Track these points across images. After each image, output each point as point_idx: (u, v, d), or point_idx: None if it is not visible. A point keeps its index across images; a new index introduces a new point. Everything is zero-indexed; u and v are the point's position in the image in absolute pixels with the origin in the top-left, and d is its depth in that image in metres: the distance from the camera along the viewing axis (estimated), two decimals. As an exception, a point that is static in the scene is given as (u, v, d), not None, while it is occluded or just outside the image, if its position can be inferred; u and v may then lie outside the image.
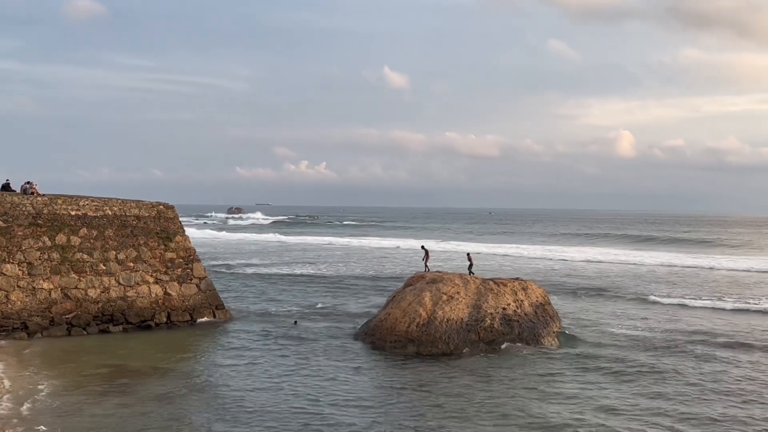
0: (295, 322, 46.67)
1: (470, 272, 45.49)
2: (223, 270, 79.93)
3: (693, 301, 57.67)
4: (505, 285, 42.17)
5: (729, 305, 55.04)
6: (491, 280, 42.95)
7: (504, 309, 40.33)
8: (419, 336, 38.58)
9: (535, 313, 41.35)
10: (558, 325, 42.01)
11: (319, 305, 54.91)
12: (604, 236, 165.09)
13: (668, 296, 60.35)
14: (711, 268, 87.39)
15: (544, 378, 33.02)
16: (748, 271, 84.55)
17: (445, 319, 39.07)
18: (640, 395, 30.17)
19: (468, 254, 49.44)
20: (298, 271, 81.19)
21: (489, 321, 39.41)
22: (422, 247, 48.90)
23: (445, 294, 40.25)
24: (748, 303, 56.49)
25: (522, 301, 41.44)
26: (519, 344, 38.70)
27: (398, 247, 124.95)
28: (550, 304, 43.31)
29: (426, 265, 47.02)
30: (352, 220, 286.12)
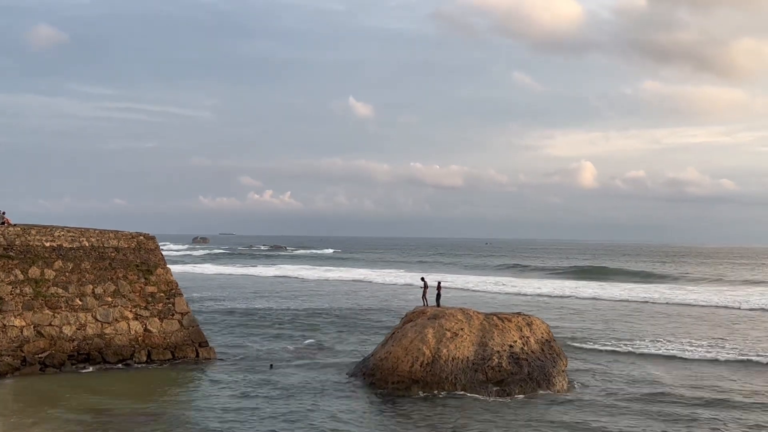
0: (271, 365, 43.36)
1: (437, 303, 43.33)
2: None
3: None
4: (510, 320, 39.97)
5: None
6: (494, 315, 40.76)
7: (511, 346, 38.12)
8: (424, 376, 36.19)
9: (542, 350, 39.18)
10: (565, 363, 39.87)
11: (297, 340, 52.13)
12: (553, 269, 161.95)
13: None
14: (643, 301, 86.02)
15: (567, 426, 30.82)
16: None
17: (451, 358, 36.76)
18: None
19: (438, 282, 46.59)
20: (265, 306, 78.34)
21: (497, 360, 37.15)
22: (422, 279, 46.58)
23: (449, 330, 37.97)
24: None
25: (528, 337, 39.28)
26: (530, 384, 36.42)
27: (370, 282, 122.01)
28: (554, 340, 41.17)
29: (425, 299, 44.62)
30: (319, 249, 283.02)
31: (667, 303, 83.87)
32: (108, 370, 40.91)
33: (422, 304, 44.41)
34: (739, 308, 77.71)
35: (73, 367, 40.51)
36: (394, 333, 40.10)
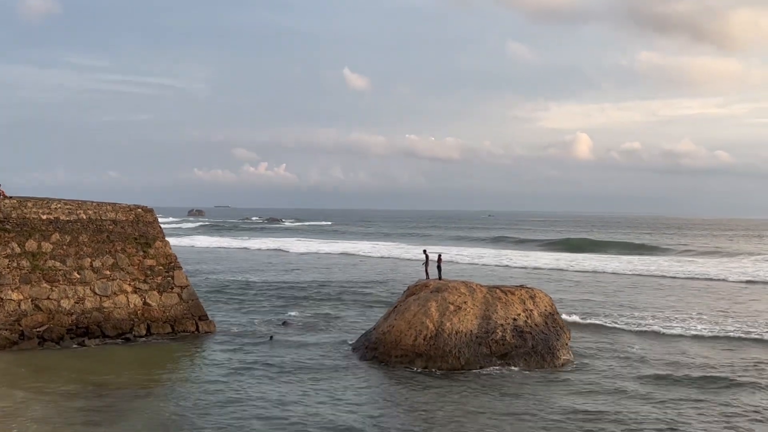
0: (271, 338, 43.01)
1: (439, 276, 42.89)
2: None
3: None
4: (513, 293, 39.55)
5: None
6: (497, 288, 40.34)
7: (514, 320, 37.73)
8: (427, 350, 35.83)
9: (546, 323, 38.79)
10: (568, 337, 39.52)
11: (295, 314, 51.73)
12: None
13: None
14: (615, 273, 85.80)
15: (568, 397, 30.49)
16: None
17: (454, 332, 36.38)
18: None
19: (439, 255, 45.86)
20: (261, 279, 77.95)
21: (500, 333, 36.79)
22: (424, 251, 46.04)
23: (452, 304, 37.53)
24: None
25: (531, 310, 38.88)
26: (534, 358, 36.09)
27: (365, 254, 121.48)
28: (558, 313, 40.79)
29: (427, 272, 44.13)
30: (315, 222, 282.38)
31: (665, 276, 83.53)
32: (107, 345, 40.46)
33: (424, 277, 43.94)
34: (739, 281, 77.34)
35: (72, 341, 40.04)
36: (396, 306, 39.68)
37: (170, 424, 26.44)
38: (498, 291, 39.59)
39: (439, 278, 42.28)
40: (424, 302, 37.81)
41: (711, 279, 79.60)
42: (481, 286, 40.00)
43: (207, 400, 29.71)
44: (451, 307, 37.32)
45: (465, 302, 37.80)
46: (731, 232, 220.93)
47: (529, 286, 42.57)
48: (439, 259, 44.38)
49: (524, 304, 39.10)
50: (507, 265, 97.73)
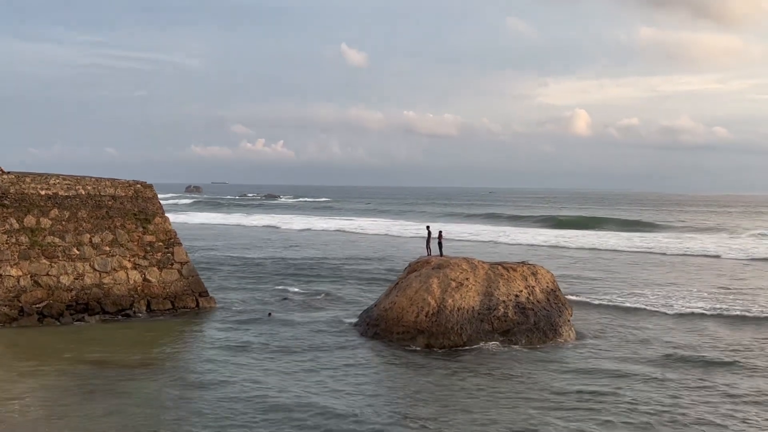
0: (269, 314, 42.79)
1: (440, 252, 42.66)
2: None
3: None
4: (515, 270, 39.35)
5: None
6: (499, 264, 40.13)
7: (517, 296, 37.57)
8: (429, 327, 35.67)
9: (548, 300, 38.64)
10: (570, 313, 39.39)
11: (294, 291, 51.45)
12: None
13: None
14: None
15: (569, 375, 30.39)
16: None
17: (456, 308, 36.20)
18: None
19: (440, 231, 45.32)
20: (259, 255, 77.79)
21: (502, 309, 36.64)
22: (427, 227, 45.73)
23: (454, 280, 37.33)
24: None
25: (533, 287, 38.72)
26: (537, 334, 35.96)
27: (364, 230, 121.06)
28: (560, 290, 40.63)
29: (428, 248, 43.88)
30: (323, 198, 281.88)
31: (665, 253, 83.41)
32: (107, 321, 40.32)
33: (425, 253, 43.70)
34: (738, 258, 77.18)
35: (72, 317, 39.85)
36: (398, 283, 39.48)
37: (169, 403, 26.27)
38: (500, 267, 39.39)
39: (440, 255, 42.05)
40: (426, 279, 37.60)
41: (711, 256, 79.29)
42: (483, 262, 39.78)
43: (206, 378, 29.49)
44: (453, 284, 37.13)
45: (467, 279, 37.60)
46: (730, 208, 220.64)
47: (530, 262, 42.38)
48: (440, 236, 44.11)
49: (526, 280, 38.94)
50: (505, 243, 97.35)
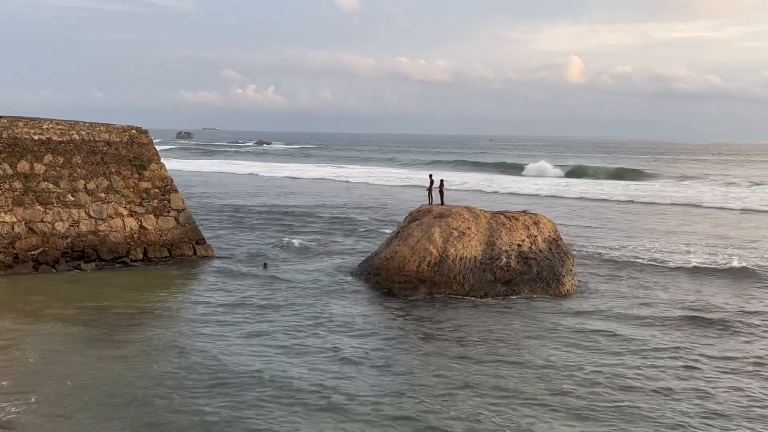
0: (265, 265, 41.83)
1: (441, 201, 42.18)
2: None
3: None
4: (517, 219, 38.87)
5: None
6: (501, 213, 39.67)
7: (519, 246, 37.16)
8: (431, 276, 35.29)
9: (550, 249, 38.25)
10: (572, 262, 39.03)
11: (290, 240, 50.68)
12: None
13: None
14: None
15: (570, 324, 30.16)
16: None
17: (458, 258, 35.80)
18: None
19: (441, 180, 44.63)
20: (253, 203, 77.16)
21: (505, 259, 36.25)
22: (429, 175, 45.08)
23: (456, 230, 36.87)
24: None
25: (535, 236, 38.30)
26: (539, 284, 35.64)
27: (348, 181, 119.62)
28: (561, 239, 40.22)
29: (430, 197, 43.31)
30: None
31: (659, 203, 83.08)
32: (103, 269, 39.78)
33: (427, 202, 43.14)
34: (736, 208, 76.85)
35: (68, 264, 39.31)
36: (399, 232, 39.00)
37: (171, 351, 25.88)
38: (502, 217, 38.92)
39: (442, 204, 41.52)
40: (428, 228, 37.12)
41: (709, 207, 78.81)
42: (485, 211, 39.31)
43: (205, 327, 29.04)
44: (455, 233, 36.68)
45: (469, 228, 37.14)
46: (724, 157, 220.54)
47: (532, 211, 41.90)
48: (442, 185, 43.54)
49: (528, 230, 38.49)
50: (496, 191, 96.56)
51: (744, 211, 74.39)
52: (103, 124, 43.56)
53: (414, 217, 39.38)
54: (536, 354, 25.99)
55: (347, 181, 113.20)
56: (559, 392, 22.19)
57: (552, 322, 30.10)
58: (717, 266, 42.65)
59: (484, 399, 21.55)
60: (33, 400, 20.98)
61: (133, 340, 27.05)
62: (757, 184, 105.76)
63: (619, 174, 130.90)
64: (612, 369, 24.37)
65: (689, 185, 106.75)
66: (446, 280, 35.11)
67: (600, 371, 24.10)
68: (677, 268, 42.13)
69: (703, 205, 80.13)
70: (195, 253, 43.30)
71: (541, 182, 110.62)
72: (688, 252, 47.40)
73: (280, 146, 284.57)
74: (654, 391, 22.48)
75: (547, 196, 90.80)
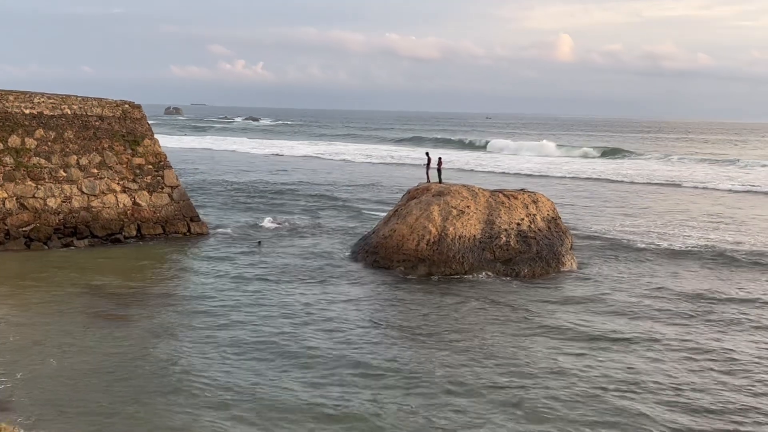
0: (259, 243, 41.20)
1: (439, 179, 41.72)
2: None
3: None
4: (516, 197, 38.44)
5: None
6: (500, 192, 39.22)
7: (518, 224, 36.76)
8: (431, 255, 34.87)
9: (549, 228, 37.86)
10: (570, 241, 38.69)
11: (285, 218, 49.96)
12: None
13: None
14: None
15: (568, 305, 29.86)
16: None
17: (457, 236, 35.38)
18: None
19: (439, 158, 44.06)
20: (245, 180, 76.47)
21: (504, 238, 35.85)
22: (426, 153, 44.56)
23: (455, 208, 36.42)
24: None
25: (534, 215, 37.88)
26: (540, 264, 35.27)
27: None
28: (560, 218, 39.81)
29: (428, 175, 42.78)
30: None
31: (654, 182, 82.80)
32: (96, 246, 39.19)
33: (425, 180, 42.61)
34: (720, 189, 76.47)
35: (60, 241, 38.69)
36: (397, 210, 38.52)
37: (161, 330, 25.41)
38: (501, 195, 38.49)
39: (440, 182, 41.04)
40: (426, 206, 36.66)
41: (699, 186, 78.33)
42: (484, 190, 38.85)
43: (202, 306, 28.60)
44: (454, 212, 36.24)
45: (468, 206, 36.71)
46: (715, 135, 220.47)
47: (529, 190, 41.48)
48: (440, 163, 43.04)
49: (527, 208, 38.08)
50: (491, 171, 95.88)
51: (742, 192, 73.65)
52: (95, 99, 42.79)
53: (412, 195, 38.88)
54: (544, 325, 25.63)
55: (343, 160, 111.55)
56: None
57: (538, 310, 29.51)
58: (703, 248, 42.22)
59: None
60: (19, 376, 20.55)
61: (130, 318, 26.57)
62: (750, 165, 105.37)
63: (611, 153, 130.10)
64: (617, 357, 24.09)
65: (684, 164, 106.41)
66: (445, 259, 34.69)
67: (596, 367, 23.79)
68: (671, 250, 41.60)
69: (683, 184, 79.43)
70: (189, 230, 42.74)
71: (536, 159, 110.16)
72: (684, 232, 47.13)
73: (270, 122, 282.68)
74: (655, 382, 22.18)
75: (540, 176, 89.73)
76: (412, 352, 23.67)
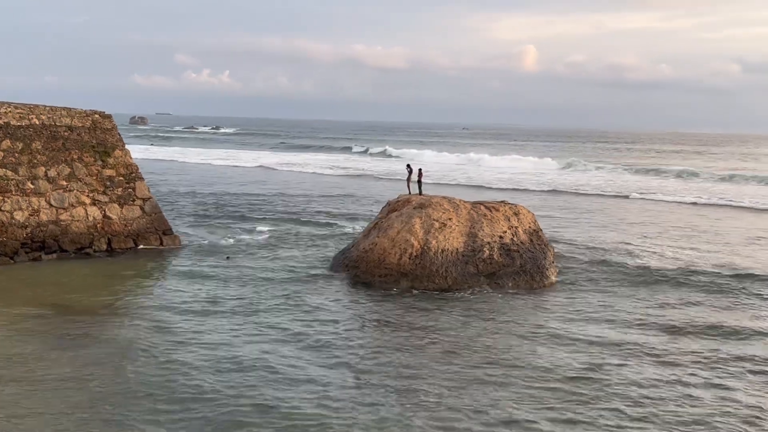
0: (227, 258, 39.77)
1: (420, 191, 41.08)
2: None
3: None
4: (497, 210, 37.84)
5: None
6: (481, 204, 38.60)
7: (501, 237, 36.15)
8: (413, 269, 34.09)
9: (531, 241, 37.31)
10: (552, 254, 38.16)
11: (260, 230, 48.85)
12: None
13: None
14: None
15: (552, 320, 29.27)
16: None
17: (440, 250, 34.67)
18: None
19: (420, 170, 43.35)
20: (215, 191, 75.29)
21: (487, 251, 35.20)
22: (407, 165, 43.93)
23: (437, 221, 35.71)
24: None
25: (516, 227, 37.31)
26: (524, 277, 34.66)
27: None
28: (541, 230, 39.27)
29: (409, 187, 42.07)
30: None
31: (628, 196, 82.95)
32: (65, 260, 37.84)
33: (406, 192, 41.84)
34: (687, 202, 76.75)
35: (27, 255, 37.31)
36: (377, 223, 37.70)
37: (140, 352, 24.30)
38: (482, 207, 37.88)
39: (420, 194, 40.34)
40: (408, 219, 35.91)
41: (667, 200, 78.18)
42: (465, 201, 38.21)
43: (172, 324, 27.42)
44: (436, 224, 35.54)
45: (450, 219, 36.03)
46: (679, 146, 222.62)
47: (509, 202, 40.89)
48: (420, 174, 42.38)
49: (509, 221, 37.51)
50: (460, 183, 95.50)
51: (697, 204, 73.17)
52: (64, 108, 41.48)
53: (393, 207, 38.08)
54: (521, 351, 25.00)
55: (306, 170, 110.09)
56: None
57: (523, 325, 28.87)
58: (673, 267, 42.07)
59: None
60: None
61: (97, 337, 25.44)
62: (714, 177, 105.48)
63: (583, 163, 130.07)
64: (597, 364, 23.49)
65: (651, 177, 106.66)
66: (428, 273, 33.95)
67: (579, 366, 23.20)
68: (644, 267, 40.90)
69: (665, 198, 79.21)
70: (162, 244, 41.53)
71: (521, 165, 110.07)
72: (658, 244, 46.90)
73: (237, 133, 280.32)
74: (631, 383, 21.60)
75: (515, 189, 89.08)
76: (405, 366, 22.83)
